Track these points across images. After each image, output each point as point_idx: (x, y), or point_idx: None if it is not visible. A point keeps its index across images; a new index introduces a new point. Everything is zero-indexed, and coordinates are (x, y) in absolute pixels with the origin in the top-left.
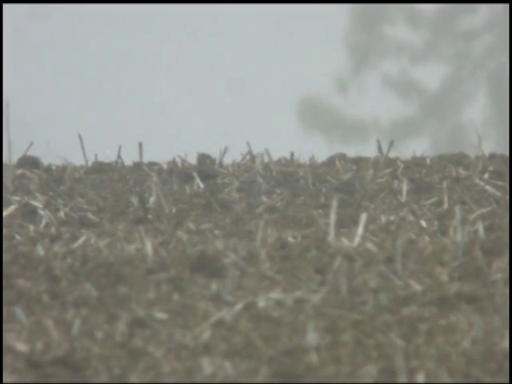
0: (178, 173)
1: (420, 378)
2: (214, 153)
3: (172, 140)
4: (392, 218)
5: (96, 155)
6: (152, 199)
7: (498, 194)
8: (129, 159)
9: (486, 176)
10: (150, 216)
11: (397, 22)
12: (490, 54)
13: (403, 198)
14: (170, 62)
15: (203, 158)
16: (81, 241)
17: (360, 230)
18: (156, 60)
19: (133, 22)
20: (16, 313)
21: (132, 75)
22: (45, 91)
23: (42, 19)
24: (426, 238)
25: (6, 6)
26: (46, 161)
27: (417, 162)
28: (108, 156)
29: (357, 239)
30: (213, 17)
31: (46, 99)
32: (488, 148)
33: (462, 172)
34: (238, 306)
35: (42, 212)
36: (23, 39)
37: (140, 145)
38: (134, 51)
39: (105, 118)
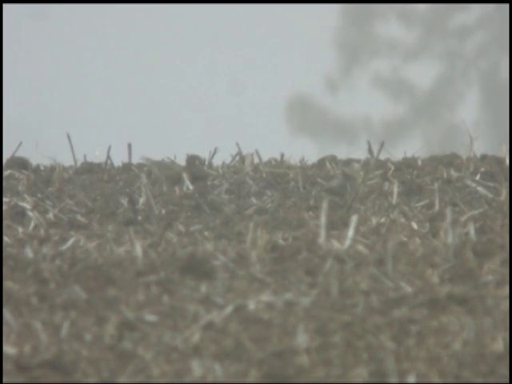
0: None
1: (411, 379)
2: (204, 154)
3: (161, 141)
4: (383, 219)
5: (85, 155)
6: (141, 200)
7: (490, 195)
8: (118, 160)
9: (478, 177)
10: (139, 218)
11: (388, 21)
12: (482, 54)
13: (394, 200)
14: (159, 63)
15: (192, 159)
16: (70, 243)
17: (351, 232)
18: (147, 61)
19: (131, 21)
20: (4, 315)
21: (124, 75)
22: (34, 91)
23: (42, 19)
24: (417, 240)
25: (5, 6)
26: (34, 161)
27: (408, 164)
28: (97, 156)
29: (347, 241)
30: (200, 17)
31: (35, 99)
32: (480, 148)
33: (454, 173)
34: (228, 309)
35: (30, 213)
36: (23, 39)
37: (129, 145)
38: (129, 51)
39: (94, 117)
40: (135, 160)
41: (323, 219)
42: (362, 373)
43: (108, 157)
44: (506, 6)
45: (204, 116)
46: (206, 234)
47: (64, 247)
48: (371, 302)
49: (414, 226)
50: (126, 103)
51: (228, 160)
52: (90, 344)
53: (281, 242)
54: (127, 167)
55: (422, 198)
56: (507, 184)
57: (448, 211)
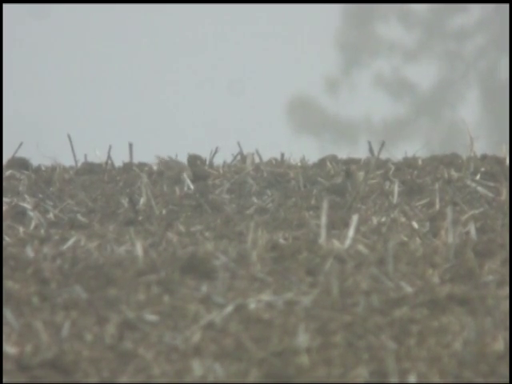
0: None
1: (411, 379)
2: (205, 153)
3: (162, 140)
4: (383, 219)
5: (86, 156)
6: (142, 200)
7: (490, 195)
8: (119, 160)
9: (478, 177)
10: (140, 217)
11: (388, 22)
12: (482, 54)
13: (395, 200)
14: (160, 63)
15: (193, 159)
16: (70, 242)
17: (351, 231)
18: (148, 61)
19: (132, 21)
20: (5, 315)
21: (124, 76)
22: (35, 91)
23: (43, 19)
24: (418, 240)
25: (5, 6)
26: (35, 162)
27: (408, 163)
28: (98, 157)
29: (348, 241)
30: (202, 18)
31: (36, 99)
32: (480, 149)
33: (454, 173)
34: (229, 308)
35: (31, 213)
36: (23, 39)
37: (130, 145)
38: (129, 51)
39: (95, 118)
40: (136, 160)
41: (324, 219)
42: (362, 373)
43: (109, 157)
44: (506, 7)
45: (205, 116)
46: (207, 233)
47: (65, 247)
48: (372, 301)
49: (415, 225)
50: (127, 103)
51: (229, 160)
52: (91, 344)
53: (281, 241)
54: (128, 167)
55: (422, 198)
56: (507, 184)
57: (448, 210)
